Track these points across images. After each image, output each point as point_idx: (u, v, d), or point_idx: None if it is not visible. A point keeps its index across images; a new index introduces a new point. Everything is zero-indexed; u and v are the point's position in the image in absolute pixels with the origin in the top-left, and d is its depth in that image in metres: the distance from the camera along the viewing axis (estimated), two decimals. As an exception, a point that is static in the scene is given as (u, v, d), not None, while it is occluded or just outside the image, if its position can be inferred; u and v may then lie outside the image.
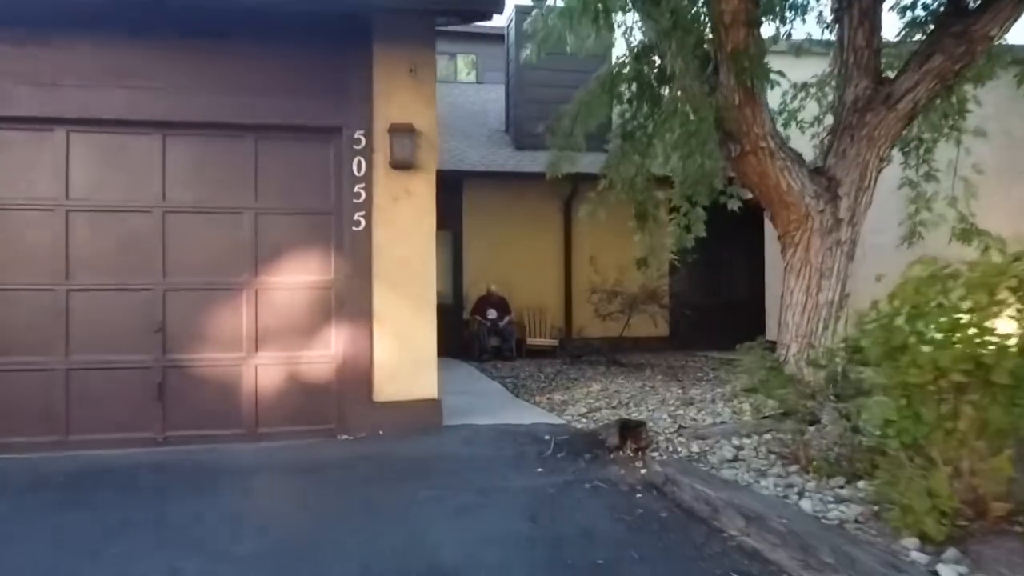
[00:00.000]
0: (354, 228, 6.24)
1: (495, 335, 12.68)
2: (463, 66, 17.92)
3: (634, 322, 11.96)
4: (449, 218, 13.35)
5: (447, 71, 17.66)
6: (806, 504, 4.02)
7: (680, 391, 8.13)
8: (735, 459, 5.18)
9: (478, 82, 17.32)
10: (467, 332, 13.02)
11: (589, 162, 13.61)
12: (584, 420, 6.64)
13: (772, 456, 5.19)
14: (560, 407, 7.39)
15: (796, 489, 4.35)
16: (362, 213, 6.24)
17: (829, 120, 8.32)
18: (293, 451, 5.89)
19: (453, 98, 16.08)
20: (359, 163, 6.24)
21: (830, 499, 4.14)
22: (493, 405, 7.66)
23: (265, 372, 6.22)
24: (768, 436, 5.54)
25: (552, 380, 9.81)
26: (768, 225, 13.71)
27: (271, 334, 6.24)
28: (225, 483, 5.14)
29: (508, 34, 14.81)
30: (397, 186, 6.33)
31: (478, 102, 15.99)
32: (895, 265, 8.46)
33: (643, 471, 5.13)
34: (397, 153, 6.22)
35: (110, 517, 4.42)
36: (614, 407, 7.18)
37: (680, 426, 6.05)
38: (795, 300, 6.97)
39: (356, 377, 6.25)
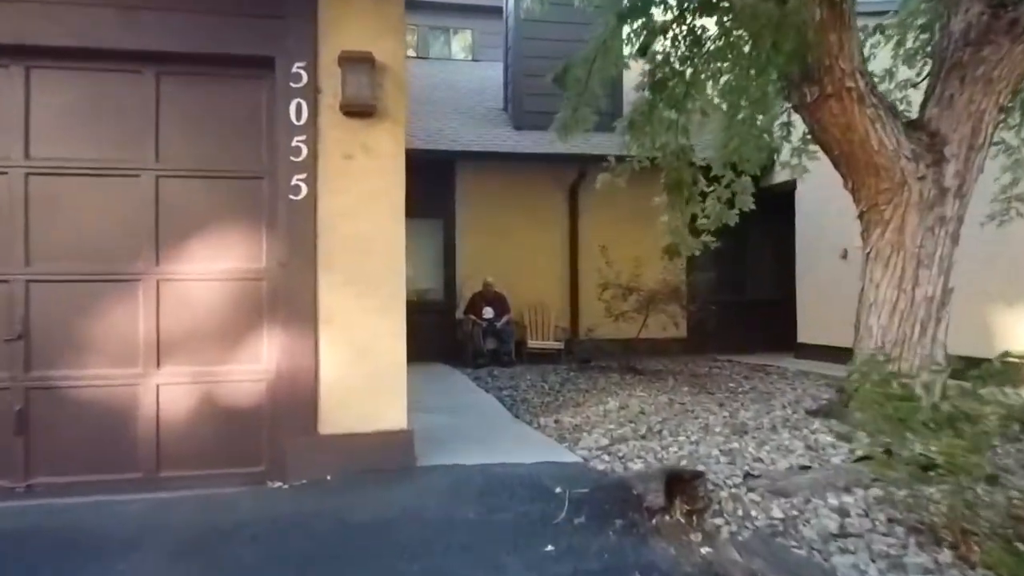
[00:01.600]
0: (292, 197, 4.41)
1: (492, 337, 10.88)
2: (458, 43, 16.08)
3: (649, 322, 10.14)
4: (440, 205, 11.59)
5: (441, 49, 15.85)
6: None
7: (724, 412, 6.30)
8: (842, 532, 3.37)
9: (473, 60, 15.49)
10: (460, 333, 11.22)
11: (597, 143, 11.87)
12: (606, 457, 4.80)
13: (895, 527, 3.38)
14: (572, 434, 5.57)
15: (986, 612, 2.54)
16: (303, 176, 4.41)
17: (904, 74, 6.51)
18: (203, 507, 4.06)
19: (446, 75, 14.29)
20: (299, 107, 4.41)
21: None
22: (486, 430, 5.85)
23: (171, 395, 4.40)
24: (877, 491, 3.73)
25: (559, 392, 8.00)
26: (801, 213, 11.90)
27: (179, 343, 4.41)
28: (82, 567, 3.33)
29: (507, 2, 12.99)
30: (352, 140, 4.51)
31: (474, 80, 14.18)
32: (971, 252, 6.55)
33: (705, 551, 3.31)
34: (351, 93, 4.39)
35: None
36: (643, 436, 5.35)
37: (747, 473, 4.21)
38: (881, 296, 5.16)
39: (295, 401, 4.43)
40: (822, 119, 5.05)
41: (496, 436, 5.60)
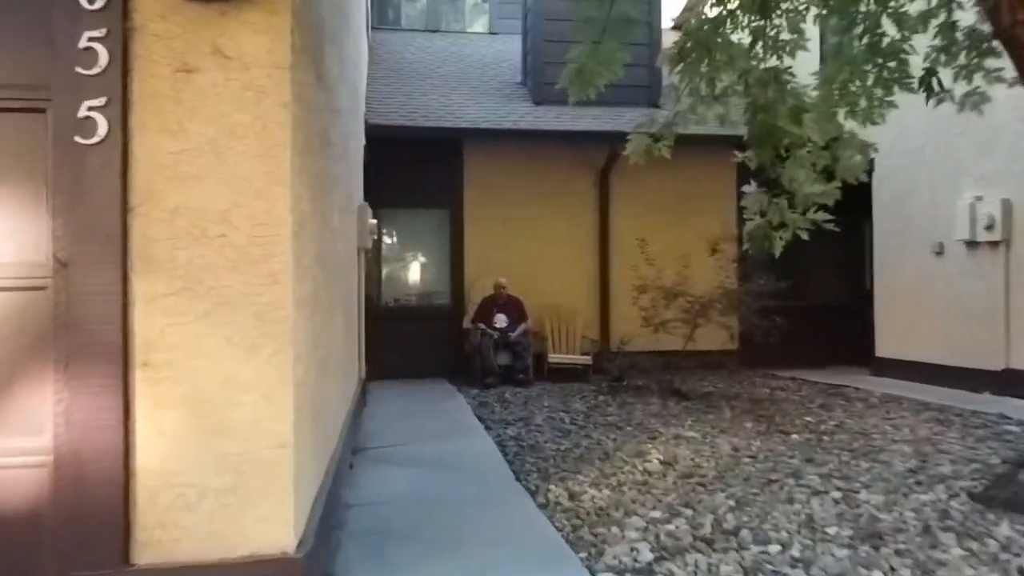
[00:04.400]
0: (81, 140, 2.37)
1: (505, 350, 8.78)
2: (473, 15, 14.00)
3: (697, 333, 7.97)
4: (445, 193, 9.53)
5: (456, 21, 13.80)
6: None
7: (818, 476, 4.11)
8: None
9: (491, 33, 13.40)
10: (468, 346, 9.15)
11: (632, 118, 9.69)
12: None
13: None
14: (594, 527, 3.45)
15: None
16: (100, 103, 2.37)
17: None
18: None
19: (458, 49, 12.26)
20: (93, -22, 2.38)
21: None
22: (466, 512, 3.76)
23: None
24: None
25: (582, 429, 5.89)
26: (880, 199, 9.31)
27: None
28: None
29: (527, -41, 10.87)
30: (195, 39, 2.45)
31: (490, 53, 12.08)
32: None
33: None
34: (183, -51, 2.35)
35: None
36: (708, 541, 3.19)
37: None
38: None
39: (88, 505, 2.38)
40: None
41: (479, 527, 3.51)
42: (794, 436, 5.57)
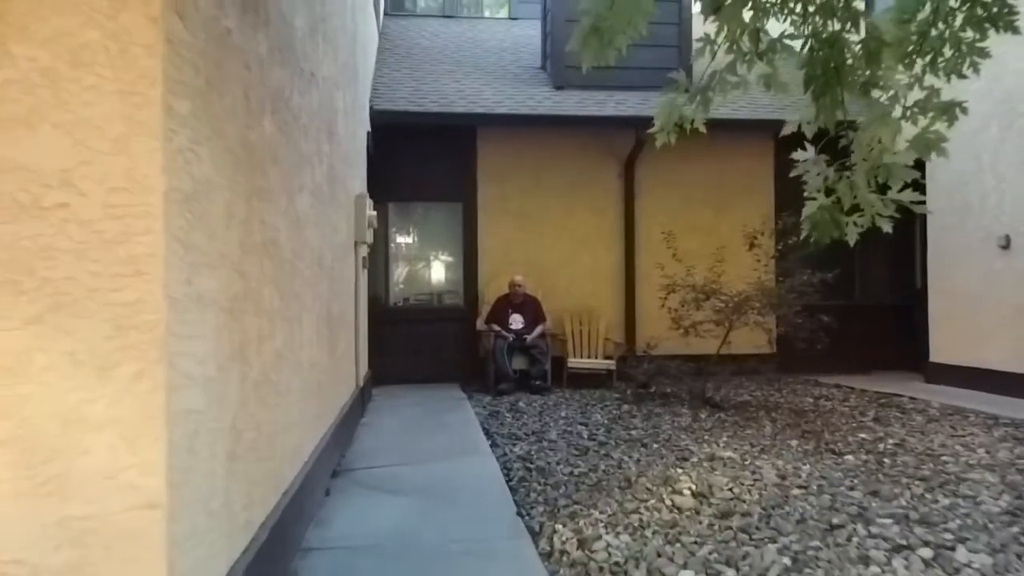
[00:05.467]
0: None
1: (521, 354, 7.98)
2: (495, 4, 13.22)
3: (731, 336, 7.08)
4: (457, 184, 8.76)
5: (474, 5, 13.03)
6: None
7: (908, 531, 3.23)
8: None
9: (511, 18, 12.60)
10: (482, 349, 8.37)
11: (657, 105, 8.87)
12: None
13: None
14: (608, 590, 2.66)
15: None
16: None
17: None
18: None
19: (475, 34, 11.48)
20: None
21: None
22: (449, 558, 2.97)
23: None
24: None
25: (602, 447, 5.08)
26: (936, 186, 8.13)
27: None
28: None
29: (547, -65, 10.05)
30: (22, -76, 1.71)
31: (508, 38, 11.30)
32: None
33: None
34: None
35: None
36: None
37: None
38: None
39: None
40: None
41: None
42: (848, 457, 4.70)
